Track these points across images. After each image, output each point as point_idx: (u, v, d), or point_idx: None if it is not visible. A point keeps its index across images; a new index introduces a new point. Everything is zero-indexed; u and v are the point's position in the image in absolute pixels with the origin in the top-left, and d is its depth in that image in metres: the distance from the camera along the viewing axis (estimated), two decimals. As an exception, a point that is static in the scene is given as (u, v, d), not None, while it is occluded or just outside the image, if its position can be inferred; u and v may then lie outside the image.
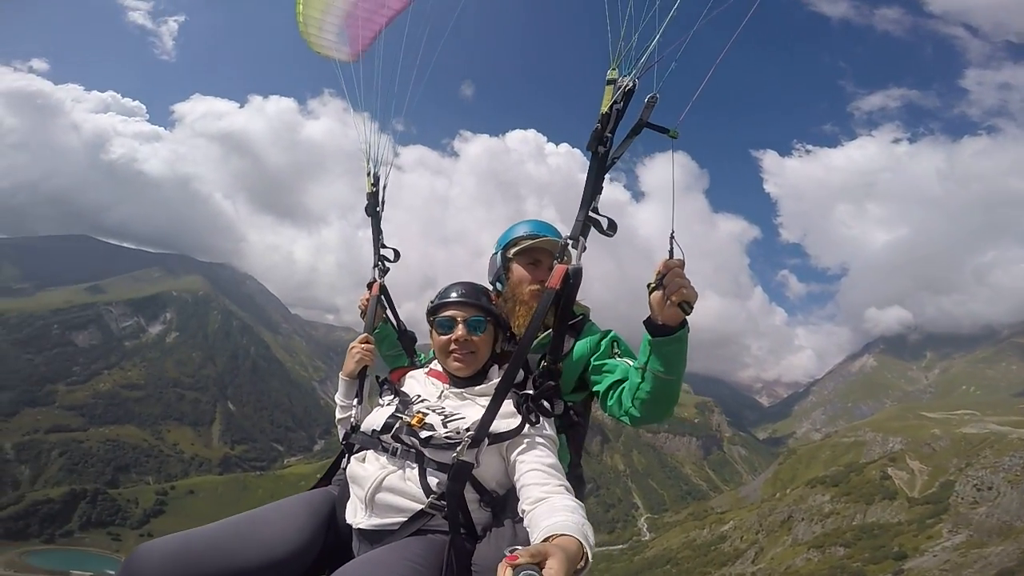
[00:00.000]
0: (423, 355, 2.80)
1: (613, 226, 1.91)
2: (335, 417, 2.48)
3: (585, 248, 1.92)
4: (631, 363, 2.14)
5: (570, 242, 1.96)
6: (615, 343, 2.29)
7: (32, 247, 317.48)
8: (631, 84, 1.79)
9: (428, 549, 1.66)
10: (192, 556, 1.55)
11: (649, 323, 1.83)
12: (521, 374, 2.08)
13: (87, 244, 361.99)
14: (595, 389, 2.25)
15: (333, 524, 1.97)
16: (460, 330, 2.06)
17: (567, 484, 1.69)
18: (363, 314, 2.82)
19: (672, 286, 1.69)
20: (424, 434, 1.86)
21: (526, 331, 1.96)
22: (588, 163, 1.89)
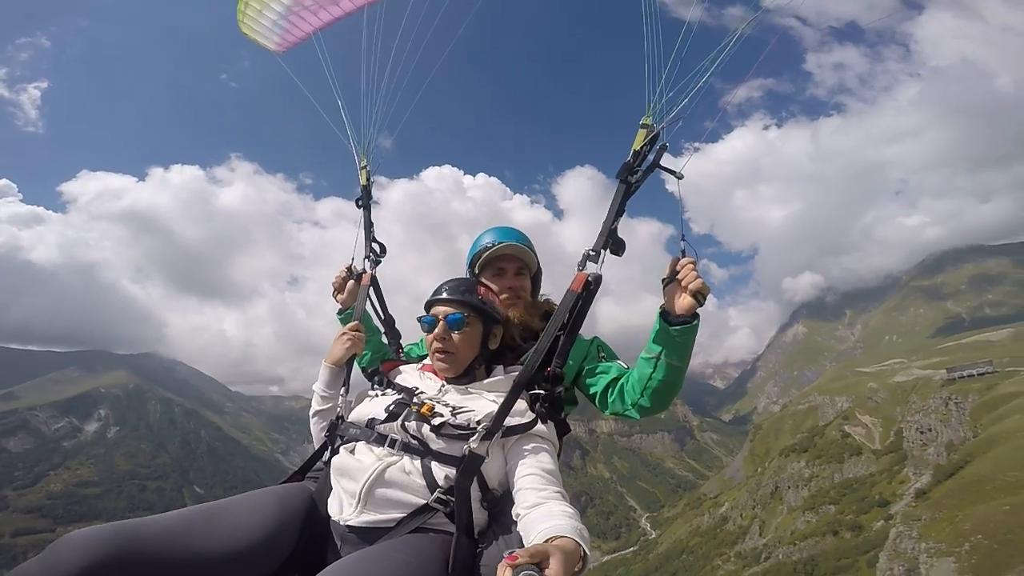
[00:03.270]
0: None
1: (623, 247, 2.10)
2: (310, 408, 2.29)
3: (604, 260, 2.07)
4: (622, 364, 2.30)
5: (591, 254, 2.06)
6: (600, 348, 2.39)
7: None
8: (657, 132, 2.07)
9: (431, 546, 1.59)
10: (141, 541, 1.37)
11: (665, 314, 1.96)
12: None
13: None
14: (591, 392, 2.30)
15: (308, 521, 1.81)
16: (439, 328, 2.02)
17: (563, 491, 1.67)
18: (335, 293, 2.87)
19: (688, 277, 1.89)
20: (437, 420, 1.79)
21: (546, 330, 2.04)
22: (616, 189, 2.12)
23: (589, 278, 2.06)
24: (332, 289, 2.90)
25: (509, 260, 2.52)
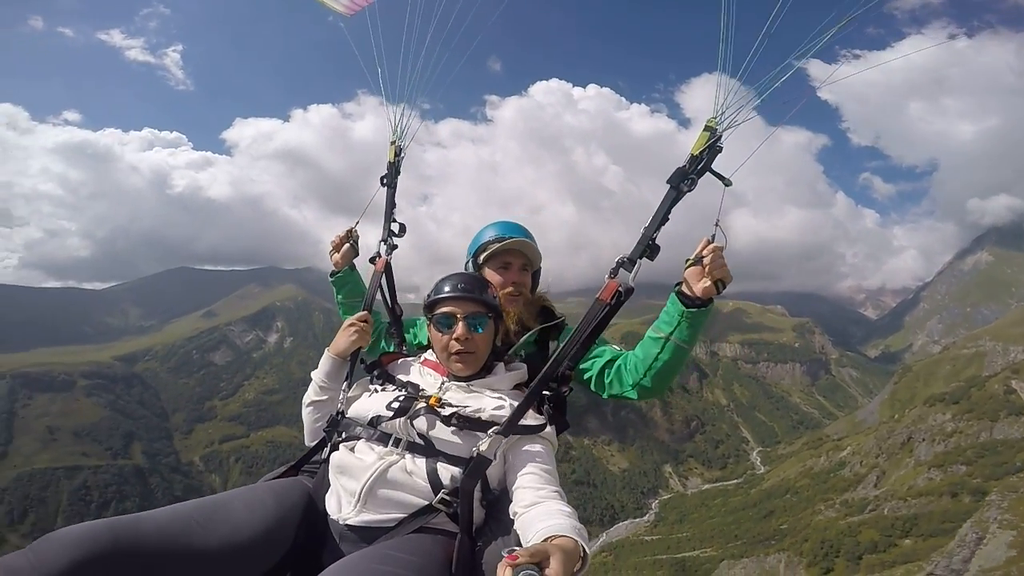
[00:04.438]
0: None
1: (657, 252, 2.02)
2: (304, 400, 2.21)
3: (638, 271, 2.01)
4: (615, 347, 2.32)
5: (626, 262, 2.01)
6: None
7: (145, 287, 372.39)
8: (720, 135, 1.99)
9: (434, 547, 1.59)
10: (137, 537, 1.33)
11: (683, 295, 1.96)
12: (525, 373, 2.13)
13: (188, 275, 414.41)
14: (587, 376, 2.28)
15: (305, 518, 1.79)
16: (460, 328, 1.97)
17: (561, 491, 1.67)
18: (332, 252, 2.83)
19: (715, 263, 1.86)
20: (447, 411, 1.80)
21: (572, 336, 2.03)
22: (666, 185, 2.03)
23: (620, 289, 2.00)
24: (330, 247, 2.87)
25: (516, 255, 2.51)
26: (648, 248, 2.01)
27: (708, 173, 2.00)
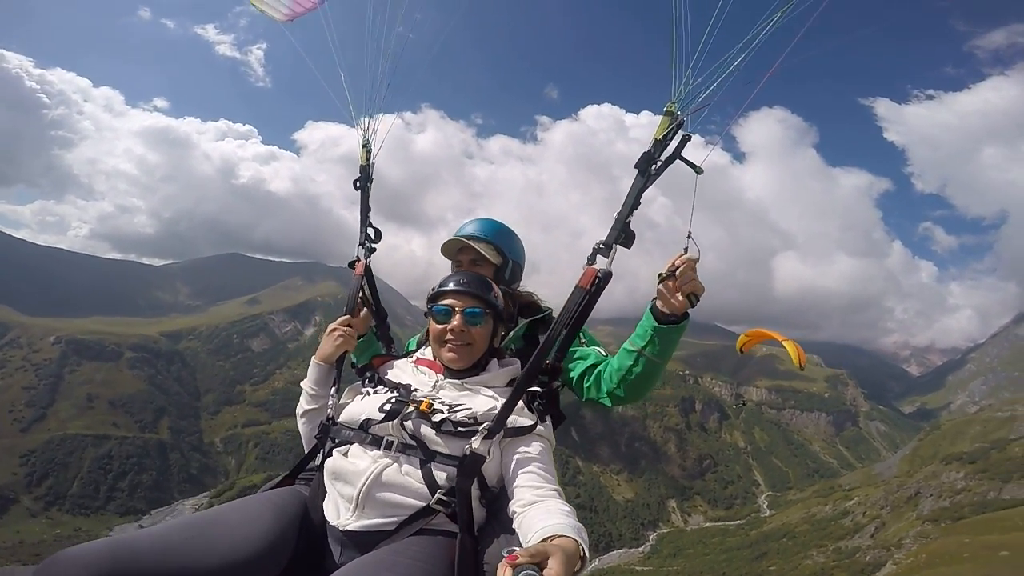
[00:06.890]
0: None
1: (633, 239, 1.97)
2: (298, 408, 2.22)
3: (615, 255, 1.95)
4: (601, 351, 2.30)
5: (602, 247, 1.97)
6: (582, 333, 2.30)
7: (197, 268, 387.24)
8: (681, 120, 1.92)
9: (435, 549, 1.58)
10: (138, 557, 1.31)
11: (656, 311, 1.94)
12: (519, 368, 2.08)
13: (240, 261, 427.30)
14: (569, 376, 2.27)
15: (304, 528, 1.76)
16: (457, 320, 1.99)
17: (560, 489, 1.65)
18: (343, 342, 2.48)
19: (685, 277, 1.82)
20: (437, 417, 1.76)
21: (552, 325, 1.97)
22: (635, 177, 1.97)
23: (599, 274, 1.98)
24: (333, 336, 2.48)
25: (464, 252, 2.58)
26: (623, 234, 1.99)
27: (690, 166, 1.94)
